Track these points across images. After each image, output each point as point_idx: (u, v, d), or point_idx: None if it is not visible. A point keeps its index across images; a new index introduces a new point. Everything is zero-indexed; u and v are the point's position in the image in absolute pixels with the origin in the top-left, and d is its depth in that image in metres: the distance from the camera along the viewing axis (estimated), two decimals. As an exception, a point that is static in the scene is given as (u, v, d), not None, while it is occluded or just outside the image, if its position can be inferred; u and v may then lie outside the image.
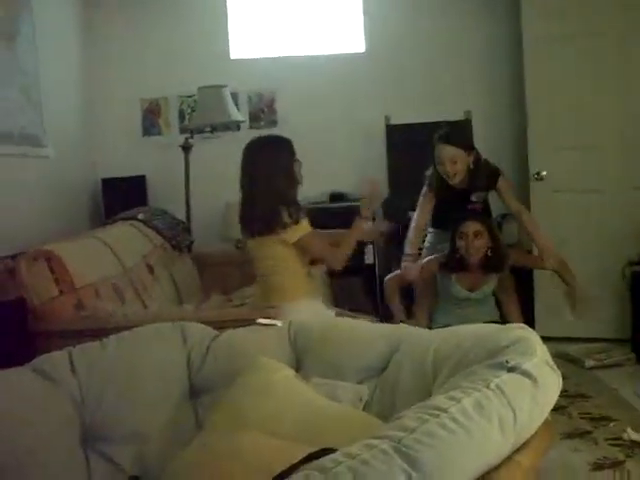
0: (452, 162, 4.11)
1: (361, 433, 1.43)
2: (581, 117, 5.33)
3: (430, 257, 4.30)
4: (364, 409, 2.07)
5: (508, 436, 1.42)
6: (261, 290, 3.60)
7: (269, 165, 3.43)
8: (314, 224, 3.55)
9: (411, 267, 4.11)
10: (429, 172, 4.28)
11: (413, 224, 4.32)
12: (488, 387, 1.48)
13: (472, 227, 4.04)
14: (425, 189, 4.32)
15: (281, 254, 3.44)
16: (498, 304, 4.33)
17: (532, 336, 1.75)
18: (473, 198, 4.23)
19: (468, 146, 4.20)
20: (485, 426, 1.38)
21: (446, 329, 2.19)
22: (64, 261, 3.34)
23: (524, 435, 1.50)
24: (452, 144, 4.13)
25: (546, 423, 1.61)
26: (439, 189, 4.24)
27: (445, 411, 1.38)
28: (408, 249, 4.22)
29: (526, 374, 1.56)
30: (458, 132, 4.50)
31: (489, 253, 4.08)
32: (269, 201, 3.36)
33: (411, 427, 1.33)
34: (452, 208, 4.22)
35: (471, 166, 4.15)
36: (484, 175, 4.20)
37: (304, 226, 3.42)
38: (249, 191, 3.47)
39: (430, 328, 2.57)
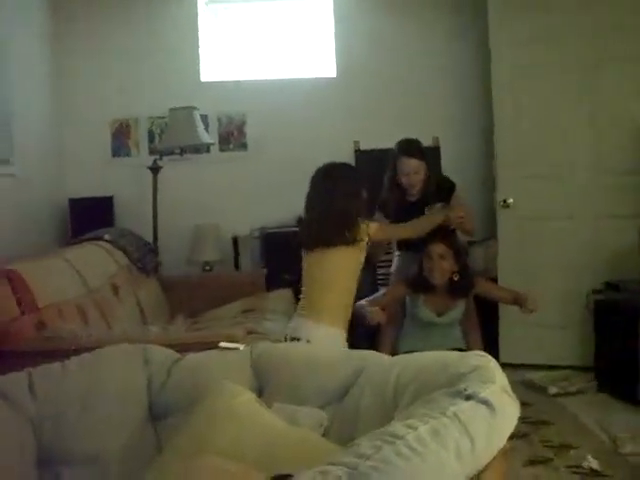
0: (415, 173, 4.20)
1: (320, 459, 1.42)
2: (548, 145, 5.39)
3: (397, 281, 4.30)
4: (324, 434, 2.06)
5: (465, 464, 1.42)
6: (311, 305, 3.54)
7: (348, 187, 3.56)
8: (282, 247, 3.56)
9: (375, 312, 3.91)
10: (385, 187, 4.33)
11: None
12: (445, 415, 1.48)
13: (437, 249, 4.03)
14: (378, 216, 4.33)
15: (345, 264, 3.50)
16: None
17: (491, 364, 1.76)
18: (427, 212, 4.26)
19: (425, 155, 4.29)
20: (441, 453, 1.38)
21: (408, 355, 2.18)
22: (27, 281, 3.30)
23: (481, 463, 1.50)
24: (415, 156, 4.20)
25: (504, 451, 1.61)
26: (396, 202, 4.27)
27: (401, 438, 1.37)
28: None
29: (484, 402, 1.56)
30: (415, 143, 4.52)
31: (455, 277, 4.09)
32: (344, 218, 3.47)
33: (367, 454, 1.32)
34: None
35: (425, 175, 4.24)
36: (434, 184, 4.25)
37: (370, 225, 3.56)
38: (327, 207, 3.52)
39: (395, 354, 2.56)
